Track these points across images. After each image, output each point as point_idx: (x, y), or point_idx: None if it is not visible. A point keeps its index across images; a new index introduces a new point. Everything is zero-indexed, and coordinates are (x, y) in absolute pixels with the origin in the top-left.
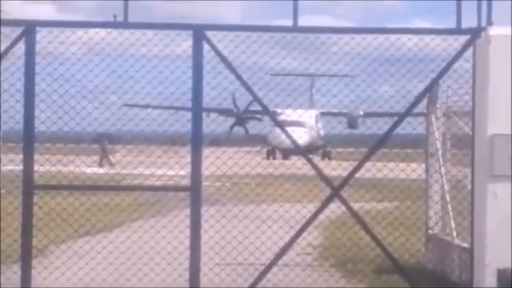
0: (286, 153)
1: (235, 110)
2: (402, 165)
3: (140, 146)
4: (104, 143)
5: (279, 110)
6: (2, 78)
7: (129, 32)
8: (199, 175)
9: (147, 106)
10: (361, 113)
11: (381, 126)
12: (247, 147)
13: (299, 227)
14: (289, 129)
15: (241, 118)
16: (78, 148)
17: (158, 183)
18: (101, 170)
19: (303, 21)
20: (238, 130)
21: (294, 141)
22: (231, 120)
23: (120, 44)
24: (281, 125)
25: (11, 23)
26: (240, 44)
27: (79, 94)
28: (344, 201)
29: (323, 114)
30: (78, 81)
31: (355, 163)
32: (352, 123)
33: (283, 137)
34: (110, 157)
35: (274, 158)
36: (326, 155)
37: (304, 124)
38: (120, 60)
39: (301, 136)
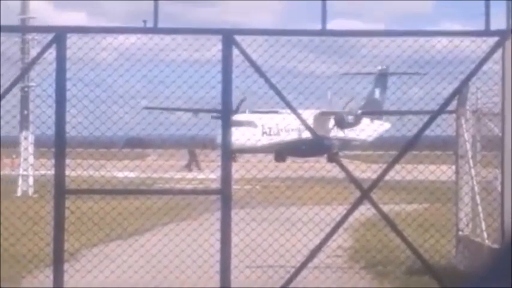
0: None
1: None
2: (432, 167)
3: (170, 149)
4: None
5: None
6: (33, 84)
7: (159, 37)
8: (230, 178)
9: (168, 109)
10: (359, 112)
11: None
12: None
13: (329, 230)
14: (240, 129)
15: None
16: (110, 153)
17: (189, 186)
18: (189, 175)
19: (333, 25)
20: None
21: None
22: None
23: (150, 50)
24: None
25: (42, 30)
26: (268, 48)
27: (110, 99)
28: (374, 203)
29: (323, 114)
30: (108, 86)
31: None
32: (340, 123)
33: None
34: (199, 161)
35: (283, 161)
36: (332, 159)
37: (255, 124)
38: (150, 66)
39: (253, 136)
